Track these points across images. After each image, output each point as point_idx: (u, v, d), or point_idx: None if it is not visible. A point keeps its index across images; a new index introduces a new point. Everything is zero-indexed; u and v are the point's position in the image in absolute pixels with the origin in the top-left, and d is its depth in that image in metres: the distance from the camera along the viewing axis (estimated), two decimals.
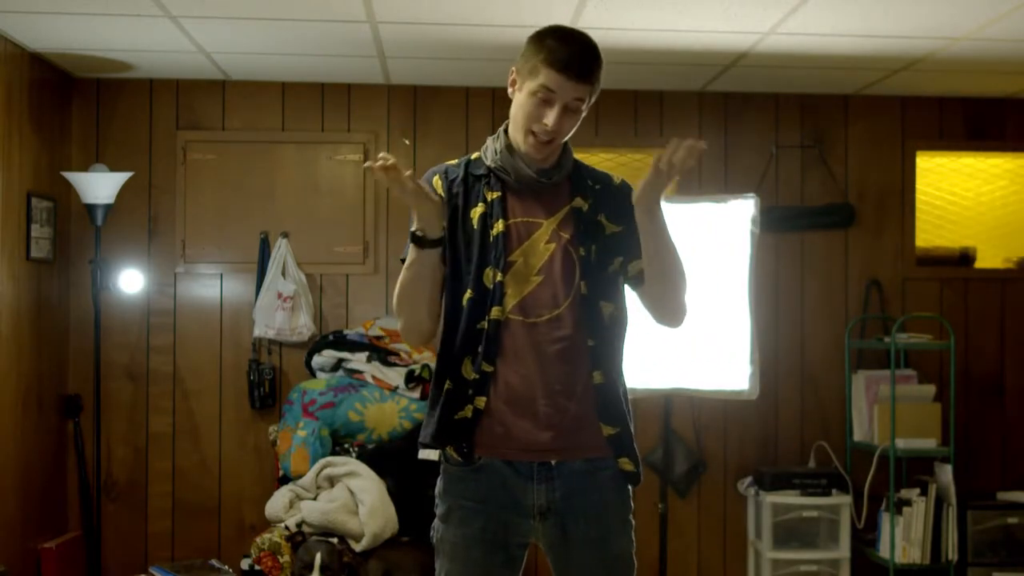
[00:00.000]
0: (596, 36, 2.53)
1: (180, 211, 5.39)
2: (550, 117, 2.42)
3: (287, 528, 4.59)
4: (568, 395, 2.45)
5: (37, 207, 4.91)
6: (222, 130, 5.42)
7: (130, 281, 5.35)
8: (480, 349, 2.43)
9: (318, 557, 4.37)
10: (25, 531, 4.82)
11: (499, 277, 2.44)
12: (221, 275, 5.41)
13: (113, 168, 5.08)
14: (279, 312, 5.22)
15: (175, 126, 5.40)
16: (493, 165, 2.52)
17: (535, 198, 2.52)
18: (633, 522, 2.55)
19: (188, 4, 4.15)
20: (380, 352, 5.09)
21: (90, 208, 4.97)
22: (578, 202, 2.53)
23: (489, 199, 2.50)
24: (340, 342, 5.14)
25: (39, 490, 4.98)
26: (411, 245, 2.43)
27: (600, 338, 2.49)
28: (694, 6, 4.12)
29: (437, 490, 2.57)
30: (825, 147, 5.60)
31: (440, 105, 5.49)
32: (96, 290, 5.05)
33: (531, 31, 2.55)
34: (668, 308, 2.58)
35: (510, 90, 2.51)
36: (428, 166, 5.85)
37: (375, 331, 5.18)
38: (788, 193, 5.58)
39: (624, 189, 2.61)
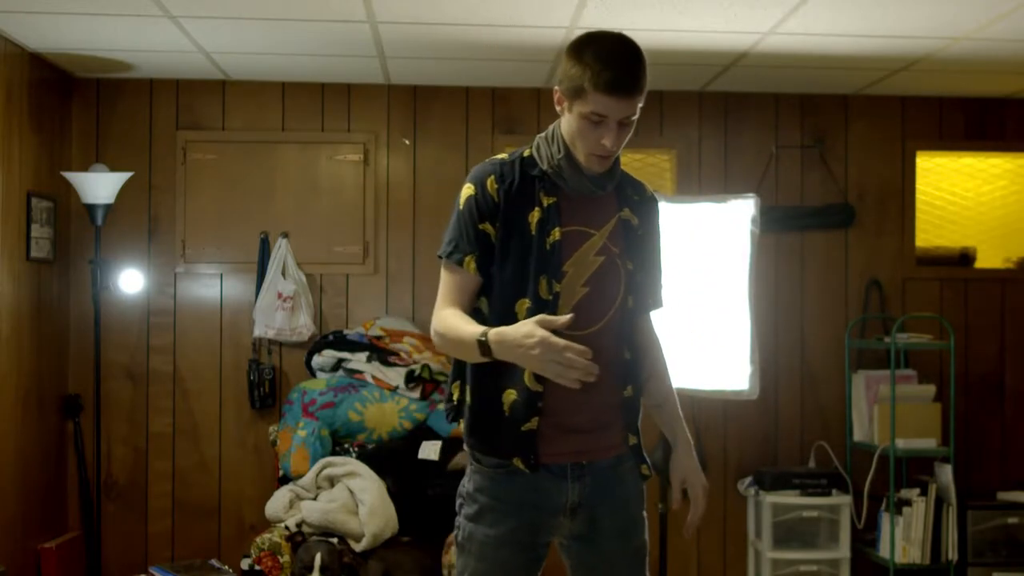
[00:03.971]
0: None
1: (180, 211, 5.39)
2: (608, 139, 2.37)
3: (287, 528, 4.59)
4: (602, 406, 2.50)
5: (37, 207, 4.91)
6: (222, 130, 5.42)
7: (130, 281, 5.35)
8: None
9: (318, 557, 4.37)
10: (25, 531, 4.82)
11: (556, 288, 2.42)
12: (221, 275, 5.42)
13: (113, 168, 5.08)
14: (279, 312, 5.22)
15: (175, 126, 5.40)
16: (548, 170, 2.47)
17: (586, 206, 2.49)
18: (646, 515, 2.64)
19: (188, 4, 4.15)
20: (380, 352, 5.09)
21: (90, 208, 4.97)
22: (626, 214, 2.54)
23: (545, 204, 2.45)
24: (340, 342, 5.14)
25: (39, 490, 4.98)
26: (476, 344, 2.31)
27: (636, 352, 2.54)
28: (694, 6, 4.12)
29: (466, 489, 2.54)
30: (825, 147, 5.60)
31: (440, 105, 5.49)
32: (96, 290, 5.05)
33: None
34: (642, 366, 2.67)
35: (557, 108, 2.45)
36: (428, 166, 5.89)
37: (375, 331, 5.18)
38: (788, 193, 5.58)
39: (654, 203, 2.64)
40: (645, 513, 2.62)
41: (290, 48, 4.82)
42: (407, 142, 5.49)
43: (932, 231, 5.80)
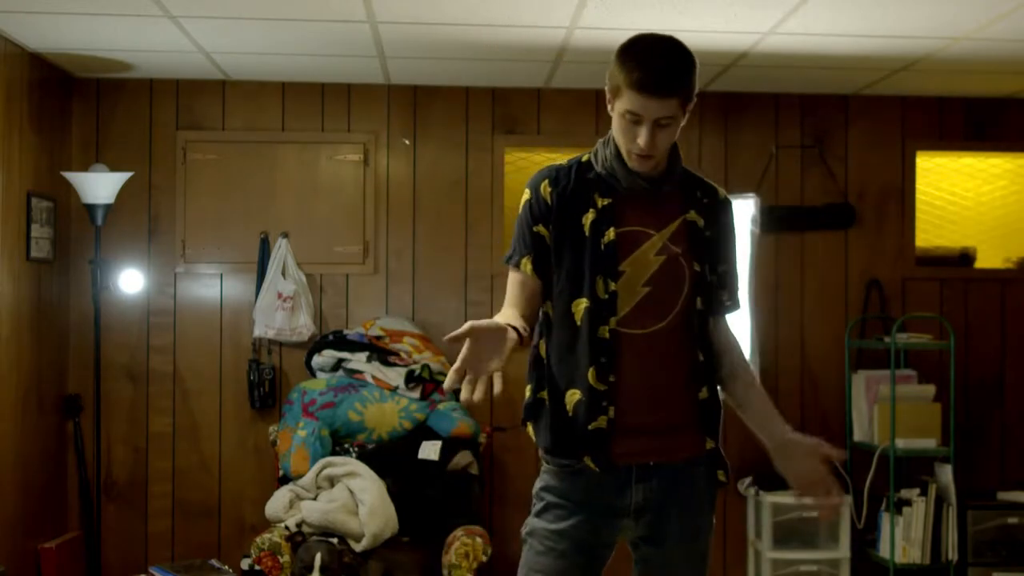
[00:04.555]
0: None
1: (180, 211, 5.39)
2: (642, 138, 2.39)
3: (287, 528, 4.59)
4: (672, 407, 2.50)
5: (37, 207, 4.91)
6: (222, 130, 5.42)
7: (130, 281, 5.35)
8: (603, 359, 2.44)
9: (318, 557, 4.37)
10: (25, 531, 4.82)
11: (612, 287, 2.44)
12: (221, 275, 5.41)
13: (113, 168, 5.08)
14: (279, 312, 5.22)
15: (175, 126, 5.40)
16: (602, 172, 2.51)
17: (645, 207, 2.51)
18: (714, 523, 2.62)
19: (188, 4, 4.15)
20: (380, 352, 5.09)
21: (90, 208, 4.97)
22: (692, 216, 2.54)
23: (600, 205, 2.48)
24: (340, 342, 5.14)
25: (39, 490, 4.98)
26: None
27: (707, 354, 2.54)
28: (694, 6, 4.12)
29: (536, 488, 2.57)
30: (825, 147, 5.60)
31: (440, 105, 5.49)
32: (96, 290, 5.05)
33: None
34: (722, 375, 2.65)
35: (609, 106, 2.47)
36: (428, 166, 5.88)
37: (375, 331, 5.18)
38: (788, 193, 5.58)
39: (727, 206, 2.63)
40: (713, 519, 2.61)
41: (290, 48, 4.82)
42: (407, 142, 5.48)
43: (932, 231, 5.80)
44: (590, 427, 2.45)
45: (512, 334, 2.27)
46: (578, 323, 2.46)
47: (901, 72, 5.10)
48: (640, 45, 2.40)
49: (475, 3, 4.10)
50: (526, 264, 2.51)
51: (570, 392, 2.48)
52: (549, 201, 2.50)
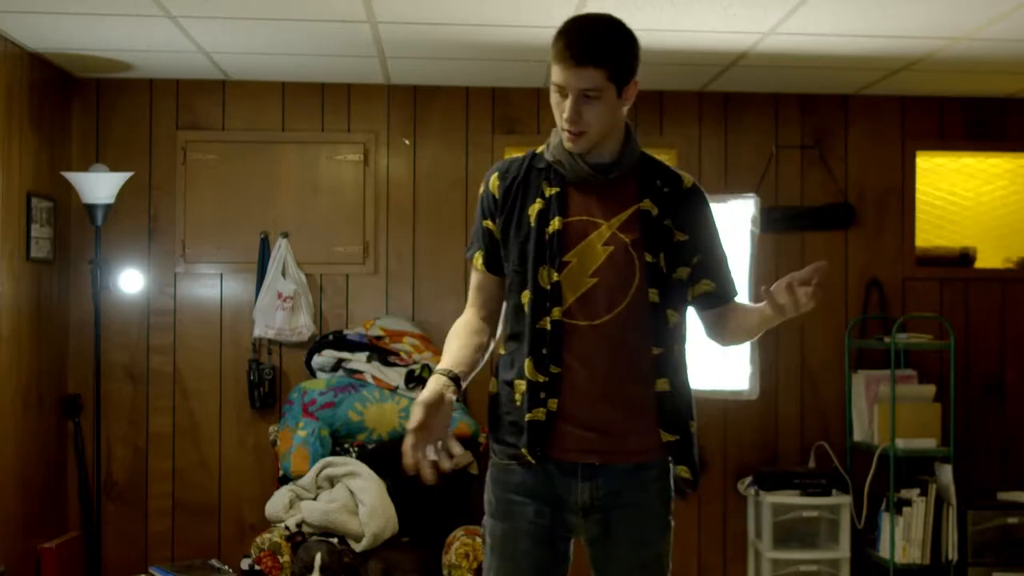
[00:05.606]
0: None
1: (180, 211, 5.39)
2: (566, 111, 2.36)
3: (287, 528, 4.59)
4: (621, 400, 2.44)
5: (37, 207, 4.91)
6: (222, 130, 5.42)
7: (130, 281, 5.35)
8: (545, 351, 2.41)
9: (318, 557, 4.37)
10: (25, 531, 4.82)
11: (555, 277, 2.41)
12: (221, 275, 5.42)
13: (113, 168, 5.08)
14: (279, 312, 5.22)
15: (175, 126, 5.41)
16: (551, 160, 2.48)
17: (596, 196, 2.46)
18: (673, 524, 2.56)
19: (188, 4, 4.15)
20: (380, 352, 5.09)
21: (90, 208, 4.97)
22: (646, 204, 2.46)
23: (547, 195, 2.46)
24: (340, 342, 5.14)
25: (39, 490, 4.98)
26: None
27: (667, 346, 2.46)
28: (694, 6, 4.12)
29: (486, 484, 2.57)
30: (825, 147, 5.60)
31: (440, 105, 5.49)
32: (96, 290, 5.05)
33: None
34: (730, 344, 2.65)
35: None
36: (428, 166, 5.89)
37: (375, 331, 5.18)
38: (788, 193, 5.58)
39: (694, 194, 2.53)
40: (672, 521, 2.54)
41: (290, 48, 4.82)
42: (407, 142, 5.49)
43: (932, 231, 5.80)
44: (527, 418, 2.42)
45: (449, 396, 2.32)
46: (524, 314, 2.44)
47: (901, 72, 5.10)
48: (570, 22, 2.40)
49: (475, 3, 4.10)
50: (477, 259, 2.53)
51: (515, 383, 2.46)
52: (496, 195, 2.50)
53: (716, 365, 4.50)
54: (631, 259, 2.43)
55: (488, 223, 2.51)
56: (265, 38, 4.65)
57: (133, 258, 5.37)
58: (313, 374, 5.18)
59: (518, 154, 2.59)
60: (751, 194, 4.58)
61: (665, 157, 5.61)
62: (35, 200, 4.89)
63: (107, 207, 4.97)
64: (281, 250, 5.32)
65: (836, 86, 5.44)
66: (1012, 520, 5.25)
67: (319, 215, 5.43)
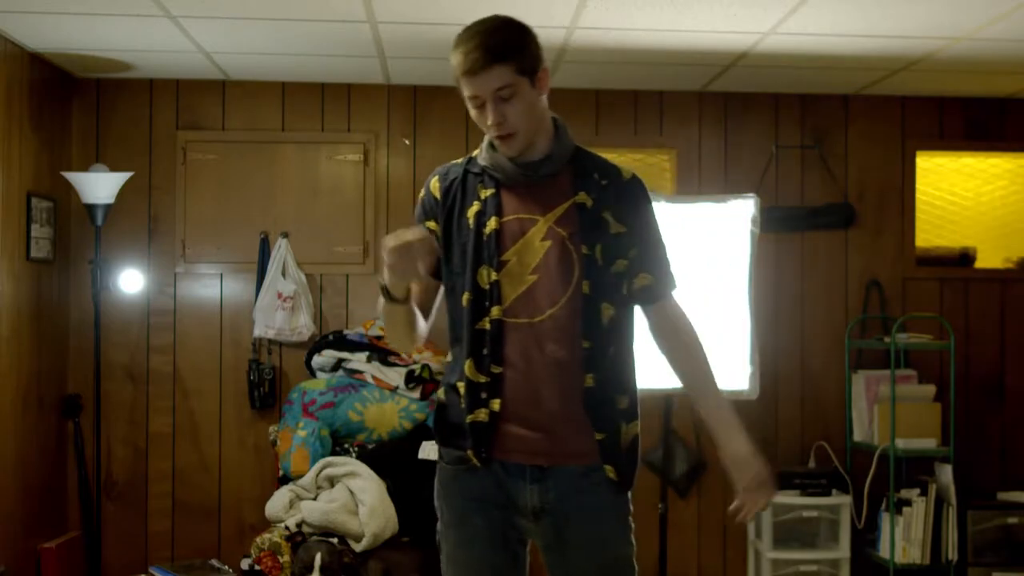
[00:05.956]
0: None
1: (180, 211, 5.39)
2: (488, 117, 2.36)
3: (287, 528, 4.59)
4: (560, 398, 2.40)
5: (37, 207, 4.91)
6: (222, 130, 5.42)
7: (130, 281, 5.35)
8: (485, 351, 2.39)
9: (318, 557, 4.37)
10: (25, 531, 4.82)
11: (493, 277, 2.40)
12: (221, 275, 5.42)
13: (113, 168, 5.08)
14: (279, 312, 5.22)
15: (175, 126, 5.41)
16: (484, 165, 2.48)
17: (531, 194, 2.45)
18: (632, 524, 2.50)
19: (188, 4, 4.15)
20: (380, 352, 5.09)
21: (90, 208, 4.97)
22: (581, 197, 2.44)
23: (483, 197, 2.45)
24: (340, 342, 5.14)
25: (39, 490, 4.98)
26: (380, 293, 2.39)
27: (596, 341, 2.42)
28: (694, 6, 4.11)
29: (435, 491, 2.55)
30: (825, 147, 5.60)
31: (440, 105, 5.49)
32: (96, 290, 5.05)
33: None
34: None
35: None
36: (428, 166, 5.87)
37: (375, 331, 5.18)
38: (788, 193, 5.58)
39: (633, 186, 2.50)
40: (631, 521, 2.49)
41: (290, 48, 4.82)
42: (407, 142, 5.49)
43: (932, 231, 5.80)
44: (468, 419, 2.40)
45: (435, 246, 2.31)
46: (462, 315, 2.43)
47: (901, 72, 5.10)
48: (462, 33, 2.39)
49: (475, 3, 4.09)
50: None
51: (457, 386, 2.44)
52: (437, 196, 2.51)
53: (716, 365, 4.49)
54: (569, 253, 2.42)
55: (431, 224, 2.50)
56: (265, 38, 4.65)
57: (133, 258, 5.37)
58: (313, 374, 5.19)
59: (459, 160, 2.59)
60: (751, 194, 4.56)
61: (665, 157, 5.67)
62: (35, 200, 4.89)
63: (107, 207, 4.97)
64: (281, 250, 5.32)
65: (836, 86, 5.44)
66: (1012, 520, 5.25)
67: (319, 215, 5.43)
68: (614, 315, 2.45)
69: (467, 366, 2.40)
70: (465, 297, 2.42)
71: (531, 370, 2.39)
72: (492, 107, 2.34)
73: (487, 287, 2.40)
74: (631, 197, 2.49)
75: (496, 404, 2.39)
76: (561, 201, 2.45)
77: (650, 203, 2.53)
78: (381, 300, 2.40)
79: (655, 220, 2.53)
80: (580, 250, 2.41)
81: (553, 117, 2.50)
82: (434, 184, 2.54)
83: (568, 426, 2.41)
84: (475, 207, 2.45)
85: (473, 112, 2.40)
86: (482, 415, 2.40)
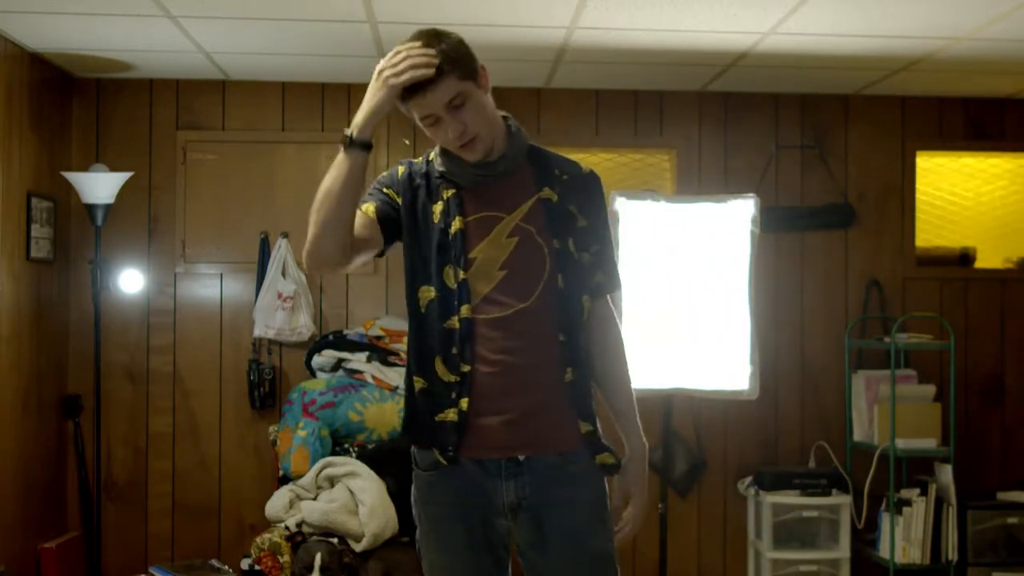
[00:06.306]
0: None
1: (180, 211, 5.39)
2: (450, 131, 2.37)
3: (287, 528, 4.59)
4: (537, 391, 2.40)
5: (37, 207, 4.91)
6: (222, 130, 5.42)
7: (130, 281, 5.35)
8: (454, 350, 2.38)
9: (318, 557, 4.37)
10: (25, 531, 4.82)
11: (462, 276, 2.39)
12: (221, 275, 5.42)
13: (113, 168, 5.08)
14: (279, 312, 5.22)
15: (175, 126, 5.41)
16: (440, 169, 2.49)
17: (493, 192, 2.45)
18: (609, 522, 2.49)
19: (188, 4, 4.15)
20: (380, 352, 5.09)
21: (90, 208, 4.97)
22: (547, 193, 2.46)
23: (446, 197, 2.45)
24: (340, 342, 5.14)
25: (39, 490, 4.98)
26: (341, 148, 2.37)
27: (572, 334, 2.43)
28: (694, 6, 4.12)
29: (412, 499, 2.52)
30: (825, 147, 5.60)
31: None
32: (96, 290, 5.05)
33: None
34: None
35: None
36: None
37: (375, 331, 5.19)
38: (788, 193, 5.58)
39: (593, 181, 2.56)
40: (607, 513, 2.48)
41: (290, 48, 4.82)
42: (407, 142, 5.48)
43: (932, 231, 5.80)
44: (437, 419, 2.39)
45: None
46: (423, 312, 2.42)
47: (901, 72, 5.10)
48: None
49: (475, 3, 4.10)
50: (369, 208, 2.46)
51: (423, 384, 2.43)
52: (402, 179, 2.51)
53: (716, 365, 4.50)
54: (539, 247, 2.43)
55: (391, 192, 2.49)
56: (265, 38, 4.65)
57: (133, 258, 5.37)
58: (313, 374, 5.19)
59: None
60: (751, 194, 4.57)
61: (665, 157, 5.67)
62: (35, 200, 4.89)
63: (107, 207, 4.98)
64: (281, 250, 5.32)
65: (836, 86, 5.44)
66: (1012, 520, 5.25)
67: None
68: (591, 308, 2.49)
69: (437, 365, 2.40)
70: (429, 294, 2.42)
71: (502, 366, 2.38)
72: (450, 119, 2.35)
73: (455, 287, 2.40)
74: (592, 191, 2.54)
75: (464, 403, 2.38)
76: (525, 198, 2.46)
77: (604, 200, 2.59)
78: (340, 155, 2.37)
79: (606, 217, 2.59)
80: (552, 244, 2.43)
81: (504, 115, 2.52)
82: (401, 170, 2.54)
83: (546, 414, 2.41)
84: (439, 206, 2.45)
85: (428, 131, 2.40)
86: (451, 415, 2.39)
